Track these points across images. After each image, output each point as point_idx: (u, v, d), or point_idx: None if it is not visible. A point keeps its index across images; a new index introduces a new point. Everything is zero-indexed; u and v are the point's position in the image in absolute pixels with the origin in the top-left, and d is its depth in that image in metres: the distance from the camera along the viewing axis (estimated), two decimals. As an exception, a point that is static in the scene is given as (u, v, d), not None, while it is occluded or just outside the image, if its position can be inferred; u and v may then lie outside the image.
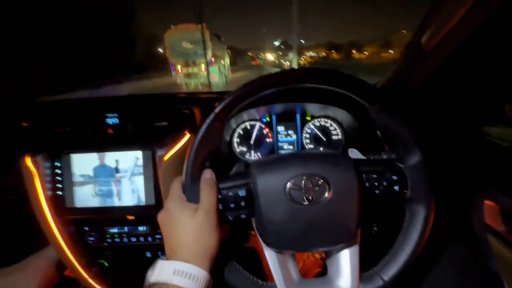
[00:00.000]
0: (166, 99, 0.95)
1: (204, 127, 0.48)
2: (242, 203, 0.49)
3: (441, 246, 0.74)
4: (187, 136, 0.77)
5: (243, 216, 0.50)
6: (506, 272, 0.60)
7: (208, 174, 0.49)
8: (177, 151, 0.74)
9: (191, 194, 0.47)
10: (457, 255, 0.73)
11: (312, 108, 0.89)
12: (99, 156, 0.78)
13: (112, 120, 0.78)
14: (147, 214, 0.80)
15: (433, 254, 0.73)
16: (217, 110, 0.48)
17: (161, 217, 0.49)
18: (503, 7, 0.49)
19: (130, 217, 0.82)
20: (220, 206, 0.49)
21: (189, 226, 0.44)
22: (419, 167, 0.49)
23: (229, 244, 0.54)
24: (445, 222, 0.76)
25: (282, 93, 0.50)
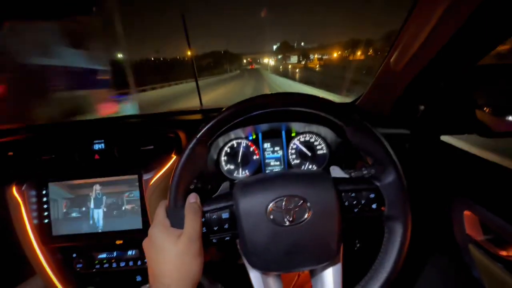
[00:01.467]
0: (152, 121, 0.96)
1: (186, 152, 0.49)
2: (226, 226, 0.50)
3: (424, 257, 0.75)
4: (174, 158, 0.78)
5: (227, 238, 0.51)
6: (488, 281, 0.61)
7: (192, 199, 0.49)
8: (163, 174, 0.75)
9: (175, 219, 0.48)
10: (441, 265, 0.74)
11: (297, 125, 0.91)
12: (85, 182, 0.78)
13: (98, 145, 0.79)
14: (135, 238, 0.79)
15: (417, 265, 0.74)
16: (199, 135, 0.49)
17: (145, 244, 0.49)
18: (464, 30, 0.52)
19: (119, 242, 0.81)
20: (204, 229, 0.49)
21: (172, 253, 0.45)
22: (395, 185, 0.50)
23: (216, 264, 0.55)
24: (427, 234, 0.77)
25: (266, 114, 0.52)
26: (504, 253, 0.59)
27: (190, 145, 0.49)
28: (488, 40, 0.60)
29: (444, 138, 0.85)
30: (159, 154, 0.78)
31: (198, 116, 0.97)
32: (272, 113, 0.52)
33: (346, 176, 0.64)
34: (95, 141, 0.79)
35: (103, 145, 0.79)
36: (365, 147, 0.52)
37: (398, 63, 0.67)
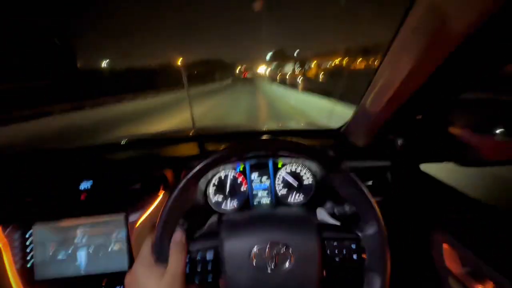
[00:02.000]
0: (141, 156, 0.97)
1: (174, 194, 0.50)
2: (209, 267, 0.51)
3: None
4: (160, 196, 0.79)
5: (209, 280, 0.52)
6: None
7: (178, 236, 0.49)
8: (150, 213, 0.76)
9: (160, 255, 0.48)
10: None
11: (283, 158, 0.94)
12: (71, 223, 0.77)
13: (85, 185, 0.79)
14: (121, 280, 0.78)
15: None
16: (189, 176, 0.51)
17: (127, 279, 0.48)
18: (437, 72, 0.55)
19: (104, 283, 0.80)
20: (187, 270, 0.50)
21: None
22: (376, 238, 0.52)
23: None
24: (409, 265, 0.79)
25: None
26: (480, 287, 0.61)
27: (179, 186, 0.50)
28: (462, 80, 0.64)
29: (424, 167, 0.89)
30: (146, 193, 0.78)
31: (188, 148, 0.98)
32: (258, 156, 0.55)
33: (331, 219, 0.66)
34: (82, 182, 0.79)
35: (89, 185, 0.79)
36: (349, 196, 0.55)
37: (373, 104, 0.70)
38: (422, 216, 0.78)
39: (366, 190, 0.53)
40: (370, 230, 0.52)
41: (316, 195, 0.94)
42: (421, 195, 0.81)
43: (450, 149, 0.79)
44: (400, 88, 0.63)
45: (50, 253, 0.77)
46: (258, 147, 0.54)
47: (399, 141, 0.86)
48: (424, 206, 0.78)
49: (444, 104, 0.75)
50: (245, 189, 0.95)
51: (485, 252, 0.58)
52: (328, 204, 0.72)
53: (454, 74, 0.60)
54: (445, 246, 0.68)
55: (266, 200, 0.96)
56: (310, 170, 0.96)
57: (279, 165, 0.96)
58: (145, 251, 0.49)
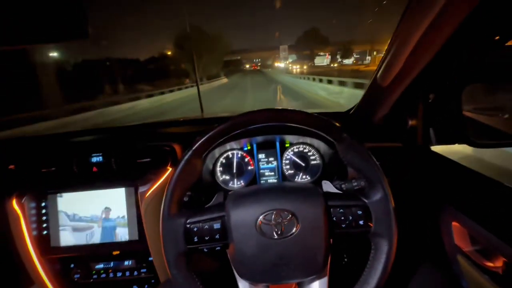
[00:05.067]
0: (150, 133, 0.98)
1: (181, 164, 0.51)
2: (217, 236, 0.52)
3: (413, 267, 0.76)
4: (169, 170, 0.80)
5: (217, 248, 0.53)
6: None
7: None
8: (159, 186, 0.77)
9: (169, 260, 0.50)
10: (430, 275, 0.75)
11: (290, 136, 0.93)
12: (84, 194, 0.80)
13: (96, 158, 0.81)
14: (131, 249, 0.81)
15: (406, 275, 0.75)
16: (194, 147, 0.52)
17: None
18: (449, 45, 0.54)
19: (115, 252, 0.83)
20: (196, 239, 0.51)
21: None
22: (382, 203, 0.52)
23: (209, 275, 0.56)
24: (416, 244, 0.79)
25: (260, 128, 0.55)
26: (490, 264, 0.60)
27: (185, 157, 0.51)
28: (473, 54, 0.62)
29: (435, 148, 0.87)
30: (155, 167, 0.80)
31: (195, 128, 0.99)
32: (267, 127, 0.54)
33: (337, 191, 0.66)
34: (93, 154, 0.81)
35: (101, 158, 0.81)
36: (354, 164, 0.54)
37: (385, 80, 0.69)
38: (431, 195, 0.76)
39: (371, 156, 0.53)
40: (377, 195, 0.52)
41: (323, 175, 0.94)
42: (430, 174, 0.79)
43: (463, 130, 0.77)
44: (409, 61, 0.61)
45: (64, 222, 0.80)
46: (264, 118, 0.54)
47: (410, 122, 0.84)
48: (434, 185, 0.77)
49: (457, 83, 0.73)
50: (252, 168, 0.96)
51: (497, 228, 0.56)
52: (336, 181, 0.72)
53: (464, 48, 0.58)
54: (454, 224, 0.67)
55: (273, 179, 0.97)
56: (318, 150, 0.95)
57: (287, 145, 0.96)
58: None
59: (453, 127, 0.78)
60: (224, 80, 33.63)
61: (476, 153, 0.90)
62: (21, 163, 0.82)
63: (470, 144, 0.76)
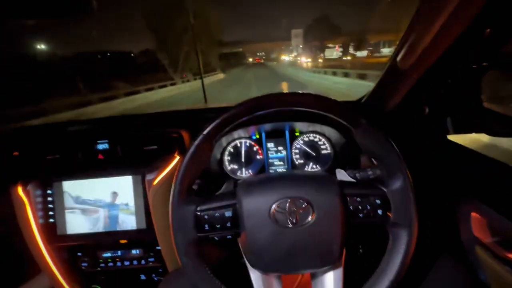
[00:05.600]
0: (156, 121, 0.96)
1: (192, 148, 0.49)
2: (228, 224, 0.50)
3: (430, 258, 0.75)
4: (177, 158, 0.78)
5: (229, 236, 0.51)
6: (495, 283, 0.60)
7: None
8: (166, 174, 0.75)
9: (178, 248, 0.49)
10: (447, 267, 0.73)
11: (301, 124, 0.90)
12: (89, 182, 0.79)
13: (102, 145, 0.79)
14: (139, 237, 0.80)
15: (422, 266, 0.73)
16: (205, 131, 0.50)
17: None
18: (470, 30, 0.51)
19: (123, 241, 0.82)
20: (206, 227, 0.49)
21: None
22: (402, 192, 0.49)
23: (218, 264, 0.55)
24: (433, 235, 0.77)
25: (270, 114, 0.52)
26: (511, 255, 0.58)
27: (196, 142, 0.49)
28: (496, 38, 0.58)
29: (452, 137, 0.84)
30: (162, 154, 0.78)
31: (202, 116, 0.97)
32: (278, 112, 0.51)
33: (352, 179, 0.63)
34: (99, 141, 0.79)
35: (107, 145, 0.79)
36: (373, 150, 0.52)
37: (405, 62, 0.65)
38: (449, 185, 0.74)
39: (391, 143, 0.50)
40: (396, 184, 0.49)
41: (334, 165, 0.91)
42: (448, 164, 0.77)
43: (481, 118, 0.74)
44: (433, 41, 0.58)
45: (70, 210, 0.79)
46: (277, 102, 0.51)
47: (426, 109, 0.81)
48: (451, 175, 0.74)
49: (476, 69, 0.69)
50: (261, 157, 0.94)
51: None
52: (349, 170, 0.69)
53: (485, 34, 0.54)
54: (473, 214, 0.65)
55: (282, 169, 0.95)
56: (329, 139, 0.92)
57: (297, 133, 0.94)
58: None
59: (471, 116, 0.75)
60: (219, 76, 26.17)
61: (493, 142, 0.87)
62: (25, 150, 0.80)
63: (488, 133, 0.73)
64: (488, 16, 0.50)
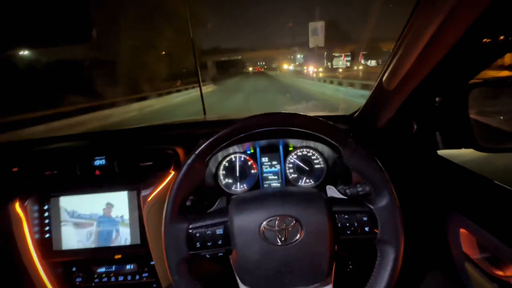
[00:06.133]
0: (152, 135, 0.98)
1: (184, 168, 0.51)
2: (219, 242, 0.51)
3: (420, 274, 0.75)
4: (172, 174, 0.80)
5: (220, 254, 0.52)
6: None
7: None
8: (161, 190, 0.77)
9: (170, 266, 0.50)
10: (437, 283, 0.73)
11: (294, 140, 0.93)
12: (86, 198, 0.80)
13: (99, 161, 0.81)
14: (133, 252, 0.80)
15: (413, 282, 0.74)
16: (197, 151, 0.51)
17: None
18: (456, 49, 0.54)
19: (117, 256, 0.82)
20: (198, 244, 0.50)
21: None
22: (388, 209, 0.51)
23: (212, 279, 0.55)
24: (423, 251, 0.77)
25: (264, 132, 0.54)
26: (500, 273, 0.58)
27: (188, 161, 0.51)
28: (480, 59, 0.61)
29: (442, 152, 0.85)
30: (158, 170, 0.80)
31: (198, 131, 0.99)
32: (271, 131, 0.54)
33: (341, 196, 0.65)
34: (96, 157, 0.81)
35: (104, 160, 0.81)
36: (360, 169, 0.53)
37: (390, 83, 0.68)
38: (438, 201, 0.75)
39: (377, 162, 0.52)
40: (382, 202, 0.51)
41: (327, 179, 0.93)
42: (437, 180, 0.78)
43: (470, 134, 0.75)
44: (416, 64, 0.60)
45: (66, 226, 0.80)
46: (267, 122, 0.53)
47: (416, 126, 0.83)
48: (441, 191, 0.75)
49: (463, 87, 0.72)
50: (255, 171, 0.95)
51: (507, 236, 0.55)
52: (340, 186, 0.71)
53: (471, 52, 0.57)
54: (462, 231, 0.65)
55: (276, 183, 0.96)
56: (322, 154, 0.94)
57: (290, 148, 0.96)
58: None
59: (460, 131, 0.76)
60: (208, 88, 19.15)
61: (483, 157, 0.88)
62: (24, 165, 0.82)
63: (477, 149, 0.75)
64: (472, 38, 0.52)
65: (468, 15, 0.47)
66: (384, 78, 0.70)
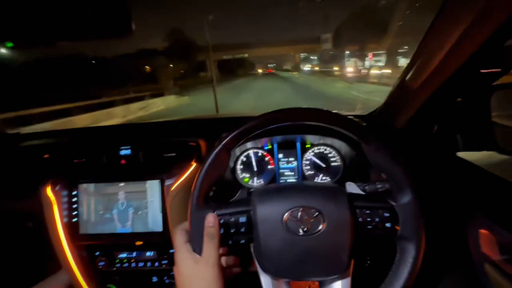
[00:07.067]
0: (175, 129, 1.02)
1: (212, 156, 0.53)
2: (242, 229, 0.53)
3: (438, 275, 0.75)
4: (194, 165, 0.83)
5: (242, 241, 0.54)
6: None
7: (210, 222, 0.50)
8: (184, 180, 0.80)
9: (194, 244, 0.51)
10: (455, 284, 0.73)
11: (312, 137, 0.94)
12: (111, 185, 0.84)
13: (125, 151, 0.85)
14: (154, 240, 0.84)
15: (431, 283, 0.74)
16: (225, 141, 0.53)
17: (175, 271, 0.52)
18: (483, 49, 0.54)
19: (139, 243, 0.86)
20: (221, 231, 0.52)
21: (193, 278, 0.48)
22: (410, 207, 0.51)
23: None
24: (442, 252, 0.77)
25: (284, 127, 0.56)
26: None
27: (216, 150, 0.53)
28: (505, 61, 0.61)
29: (461, 154, 0.85)
30: (181, 161, 0.83)
31: (215, 126, 1.02)
32: (291, 125, 0.55)
33: (361, 192, 0.66)
34: (122, 147, 0.85)
35: (129, 151, 0.85)
36: (382, 166, 0.54)
37: (414, 81, 0.68)
38: (458, 202, 0.75)
39: (400, 158, 0.52)
40: (404, 199, 0.51)
41: (344, 177, 0.94)
42: (457, 181, 0.78)
43: (491, 136, 0.75)
44: (442, 63, 0.61)
45: (93, 211, 0.84)
46: (293, 116, 0.54)
47: (436, 127, 0.82)
48: (460, 192, 0.75)
49: (486, 88, 0.71)
50: (272, 167, 0.97)
51: None
52: (358, 183, 0.72)
53: (497, 53, 0.57)
54: (482, 231, 0.65)
55: (292, 179, 0.98)
56: (339, 152, 0.95)
57: (307, 145, 0.97)
58: (181, 243, 0.51)
59: (481, 133, 0.76)
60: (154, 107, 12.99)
61: (503, 160, 0.87)
62: (55, 153, 0.87)
63: (498, 151, 0.74)
64: (499, 37, 0.52)
65: (496, 17, 0.47)
66: (408, 77, 0.70)
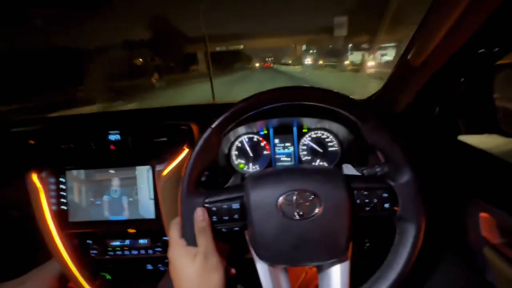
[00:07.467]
0: (166, 114, 0.98)
1: (200, 142, 0.50)
2: (236, 216, 0.51)
3: (436, 260, 0.74)
4: (186, 150, 0.80)
5: (236, 228, 0.52)
6: (503, 285, 0.60)
7: (200, 217, 0.49)
8: (175, 166, 0.77)
9: (188, 238, 0.49)
10: (452, 267, 0.73)
11: (309, 121, 0.91)
12: (101, 172, 0.81)
13: (114, 136, 0.81)
14: (147, 227, 0.82)
15: (428, 266, 0.73)
16: (213, 125, 0.50)
17: (170, 267, 0.51)
18: (486, 26, 0.51)
19: (131, 230, 0.84)
20: (214, 218, 0.50)
21: (191, 271, 0.46)
22: (409, 186, 0.49)
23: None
24: (440, 235, 0.76)
25: (279, 109, 0.53)
26: None
27: (205, 135, 0.50)
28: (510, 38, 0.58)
29: (462, 137, 0.83)
30: (172, 146, 0.79)
31: (213, 110, 0.98)
32: (286, 107, 0.52)
33: (359, 174, 0.64)
34: (110, 132, 0.81)
35: (118, 136, 0.81)
36: (381, 145, 0.51)
37: (416, 58, 0.65)
38: (458, 185, 0.73)
39: (399, 137, 0.50)
40: (404, 178, 0.50)
41: (342, 162, 0.91)
42: (457, 164, 0.76)
43: (494, 119, 0.72)
44: (445, 40, 0.57)
45: (82, 198, 0.81)
46: (286, 96, 0.51)
47: (437, 109, 0.80)
48: (461, 175, 0.73)
49: (489, 68, 0.68)
50: (268, 152, 0.95)
51: None
52: (356, 167, 0.69)
53: (502, 31, 0.53)
54: (482, 214, 0.64)
55: (289, 164, 0.95)
56: (337, 136, 0.93)
57: (304, 130, 0.94)
58: (175, 237, 0.50)
59: (484, 116, 0.74)
60: None
61: (506, 143, 0.86)
62: (40, 139, 0.83)
63: (502, 134, 0.72)
64: (506, 13, 0.49)
65: None
66: (409, 56, 0.67)
